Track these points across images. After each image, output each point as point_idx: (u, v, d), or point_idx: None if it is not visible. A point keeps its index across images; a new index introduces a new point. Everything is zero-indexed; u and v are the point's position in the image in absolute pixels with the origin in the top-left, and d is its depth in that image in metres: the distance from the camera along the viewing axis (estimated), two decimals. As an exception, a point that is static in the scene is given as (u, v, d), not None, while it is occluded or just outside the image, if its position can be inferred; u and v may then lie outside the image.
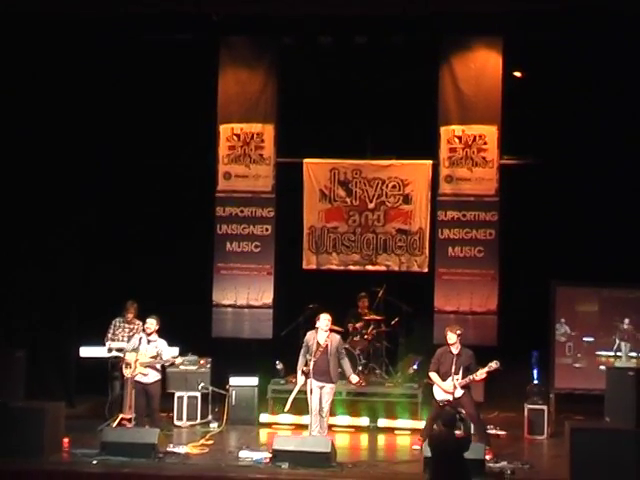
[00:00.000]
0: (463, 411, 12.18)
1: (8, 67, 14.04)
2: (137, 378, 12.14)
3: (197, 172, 15.46)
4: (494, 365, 11.65)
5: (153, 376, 12.20)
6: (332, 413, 12.33)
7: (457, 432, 9.55)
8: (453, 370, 11.69)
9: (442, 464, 9.22)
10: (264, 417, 13.50)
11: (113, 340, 13.32)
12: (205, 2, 13.70)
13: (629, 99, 14.22)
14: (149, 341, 12.24)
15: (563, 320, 14.18)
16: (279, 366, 14.02)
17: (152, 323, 12.28)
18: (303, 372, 11.73)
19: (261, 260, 15.45)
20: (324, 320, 11.80)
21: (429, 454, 10.57)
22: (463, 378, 11.69)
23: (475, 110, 14.98)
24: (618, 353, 13.95)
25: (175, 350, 12.60)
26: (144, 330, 12.38)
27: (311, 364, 11.64)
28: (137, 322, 13.40)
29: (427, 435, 11.94)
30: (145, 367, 12.14)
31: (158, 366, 12.25)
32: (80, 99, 14.72)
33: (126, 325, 13.44)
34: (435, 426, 9.75)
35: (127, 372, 12.23)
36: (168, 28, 14.38)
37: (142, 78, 14.98)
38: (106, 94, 14.86)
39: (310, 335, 11.90)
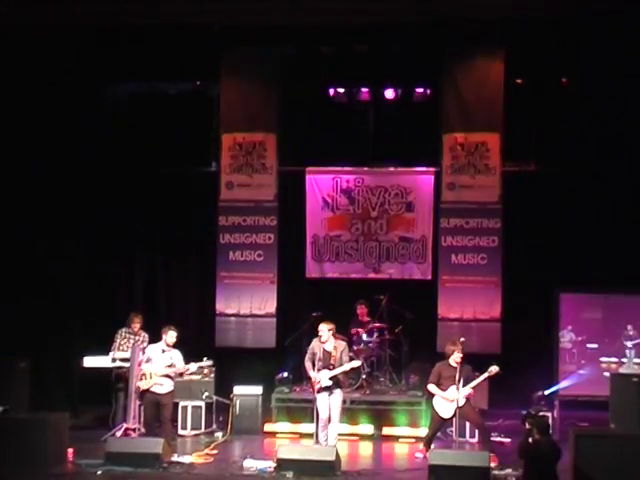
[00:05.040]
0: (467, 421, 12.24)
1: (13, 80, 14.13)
2: (152, 389, 12.07)
3: (200, 182, 15.49)
4: (493, 370, 11.66)
5: (168, 386, 12.13)
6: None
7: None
8: (455, 380, 11.67)
9: (536, 472, 9.36)
10: (268, 426, 13.48)
11: (120, 349, 13.30)
12: (207, 13, 13.73)
13: (632, 106, 14.23)
14: (163, 350, 12.18)
15: (570, 327, 14.18)
16: (285, 374, 14.05)
17: (174, 336, 12.17)
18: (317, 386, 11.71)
19: (264, 269, 15.45)
20: (325, 331, 11.81)
21: (433, 462, 10.62)
22: (464, 387, 11.69)
23: (477, 117, 14.99)
24: (623, 359, 13.95)
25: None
26: (165, 342, 12.21)
27: (321, 373, 11.68)
28: (143, 334, 13.42)
29: (428, 445, 11.92)
30: (161, 377, 12.08)
31: (172, 374, 12.19)
32: (81, 109, 14.76)
33: (131, 336, 13.42)
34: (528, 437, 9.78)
35: (143, 384, 12.11)
36: (170, 39, 14.41)
37: (143, 89, 15.02)
38: (107, 105, 14.90)
39: (315, 343, 11.90)
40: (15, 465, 10.94)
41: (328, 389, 11.73)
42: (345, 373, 11.98)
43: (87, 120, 14.87)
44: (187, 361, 12.24)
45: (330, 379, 11.68)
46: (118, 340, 13.43)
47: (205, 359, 12.37)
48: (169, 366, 12.10)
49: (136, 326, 13.42)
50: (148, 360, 12.15)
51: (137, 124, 15.27)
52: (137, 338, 13.39)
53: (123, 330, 13.48)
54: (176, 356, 12.17)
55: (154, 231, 15.75)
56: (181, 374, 12.40)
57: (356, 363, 12.01)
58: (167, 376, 12.08)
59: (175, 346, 12.19)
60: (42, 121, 14.47)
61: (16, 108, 14.29)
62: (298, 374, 14.10)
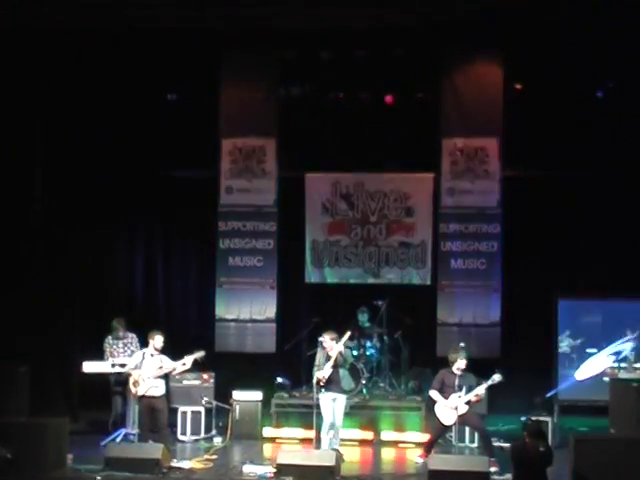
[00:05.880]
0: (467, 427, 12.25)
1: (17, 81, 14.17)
2: (148, 393, 12.06)
3: (199, 186, 15.49)
4: (496, 378, 11.66)
5: (162, 388, 12.16)
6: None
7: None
8: (457, 387, 11.67)
9: (524, 476, 9.44)
10: (268, 431, 13.49)
11: (112, 357, 13.31)
12: (207, 17, 13.75)
13: (632, 110, 14.24)
14: (152, 355, 12.19)
15: (569, 332, 14.19)
16: (280, 380, 14.07)
17: (162, 340, 12.22)
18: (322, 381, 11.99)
19: (264, 274, 15.45)
20: (328, 341, 12.07)
21: (433, 467, 10.63)
22: (466, 394, 11.69)
23: (476, 122, 14.99)
24: (622, 364, 13.96)
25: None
26: (153, 346, 12.24)
27: (324, 373, 11.91)
28: (130, 335, 13.46)
29: (430, 450, 11.93)
30: (155, 379, 12.07)
31: (166, 372, 12.19)
32: (83, 112, 14.78)
33: (119, 341, 13.43)
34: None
35: (138, 390, 12.11)
36: (170, 43, 14.43)
37: (144, 92, 15.02)
38: (108, 108, 14.90)
39: (320, 353, 12.22)
40: (15, 470, 10.91)
41: (330, 389, 11.94)
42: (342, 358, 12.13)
43: (86, 121, 14.88)
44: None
45: (330, 378, 11.92)
46: (107, 349, 13.44)
47: (196, 351, 12.31)
48: (160, 368, 12.12)
49: (120, 332, 13.43)
50: (136, 367, 12.15)
51: (137, 127, 15.26)
52: (125, 341, 13.42)
53: (109, 338, 13.49)
54: (165, 360, 12.21)
55: (153, 236, 15.74)
56: (178, 372, 12.36)
57: (348, 333, 12.19)
58: (160, 377, 12.11)
59: (164, 351, 12.22)
60: (41, 121, 14.49)
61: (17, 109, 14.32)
62: (297, 379, 14.13)
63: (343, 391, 12.20)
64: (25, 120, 14.36)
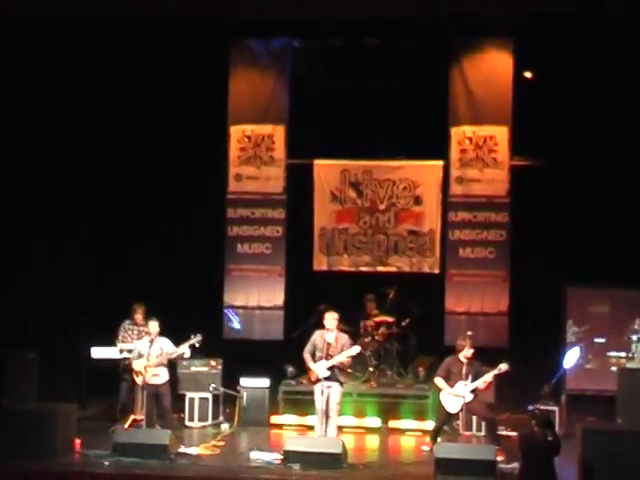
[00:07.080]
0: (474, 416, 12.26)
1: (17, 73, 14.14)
2: (150, 381, 12.12)
3: (208, 174, 15.48)
4: (503, 367, 11.65)
5: (164, 375, 12.21)
6: (342, 413, 12.34)
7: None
8: (464, 375, 11.67)
9: (531, 465, 9.46)
10: (275, 418, 13.51)
11: (124, 342, 13.33)
12: (216, 4, 13.72)
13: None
14: (151, 341, 12.24)
15: (570, 321, 14.19)
16: (290, 369, 14.07)
17: (156, 325, 12.28)
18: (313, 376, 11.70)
19: (272, 262, 15.48)
20: (331, 319, 11.74)
21: (439, 455, 10.64)
22: (473, 382, 11.69)
23: (486, 111, 14.98)
24: (630, 354, 13.94)
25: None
26: (148, 333, 12.33)
27: (319, 363, 11.63)
28: (149, 323, 13.45)
29: (434, 438, 11.94)
30: (156, 367, 12.13)
31: (166, 362, 12.24)
32: (91, 102, 14.79)
33: (135, 327, 13.45)
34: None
35: (139, 380, 12.20)
36: (179, 30, 14.41)
37: (153, 80, 15.01)
38: (117, 97, 14.90)
39: (317, 334, 11.83)
40: (23, 456, 10.98)
41: (326, 380, 11.59)
42: (347, 365, 11.93)
43: (92, 112, 14.87)
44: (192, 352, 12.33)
45: (328, 369, 11.58)
46: (121, 333, 13.44)
47: (192, 336, 12.31)
48: (160, 355, 12.14)
49: (139, 317, 13.42)
50: (140, 356, 12.19)
51: (144, 117, 15.25)
52: (141, 329, 13.37)
53: (126, 322, 13.49)
54: (165, 343, 12.26)
55: (160, 223, 15.73)
56: (176, 358, 12.39)
57: (354, 350, 11.80)
58: (162, 365, 12.16)
59: (171, 335, 12.27)
60: (44, 117, 14.49)
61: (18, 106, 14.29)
62: (305, 366, 14.13)
63: (338, 380, 11.69)
64: (27, 118, 14.35)
